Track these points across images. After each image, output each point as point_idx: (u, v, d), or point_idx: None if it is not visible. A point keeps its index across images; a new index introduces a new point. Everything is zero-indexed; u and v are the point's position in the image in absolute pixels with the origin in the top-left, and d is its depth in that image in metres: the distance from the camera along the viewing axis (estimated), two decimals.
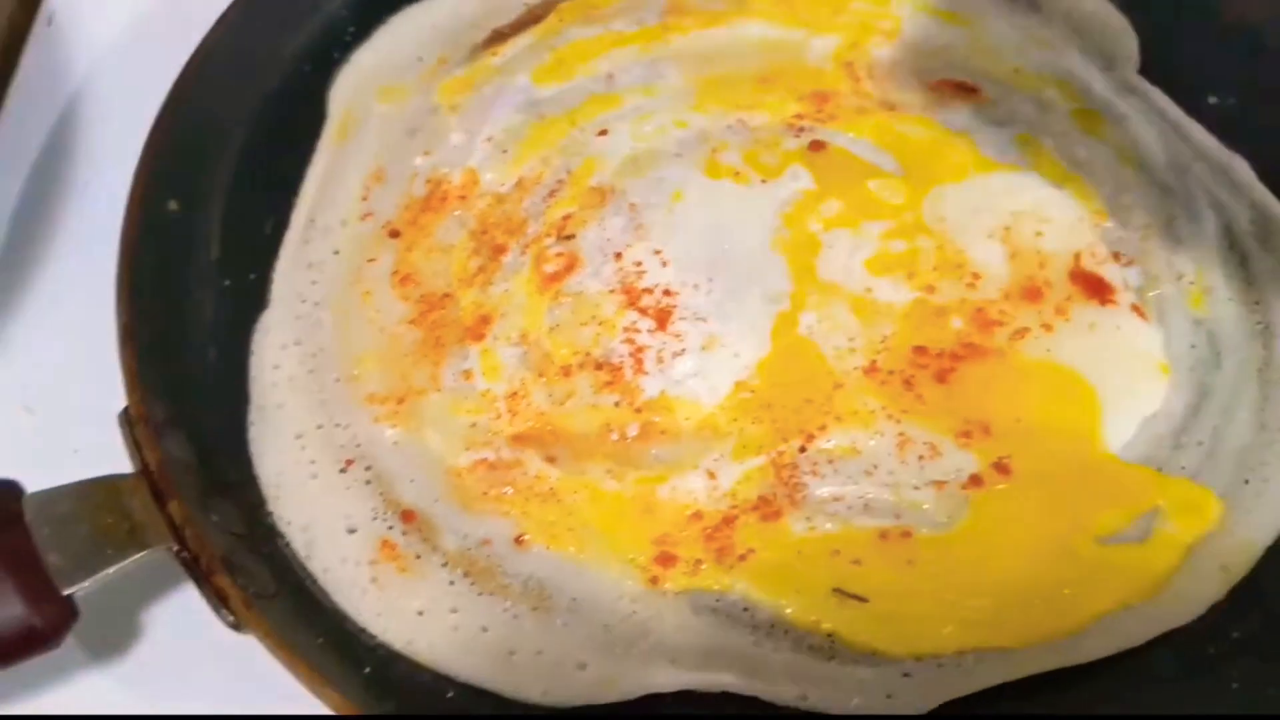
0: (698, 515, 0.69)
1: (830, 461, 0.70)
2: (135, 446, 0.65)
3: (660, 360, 0.74)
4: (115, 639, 0.69)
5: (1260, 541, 0.68)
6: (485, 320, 0.75)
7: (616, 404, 0.72)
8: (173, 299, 0.73)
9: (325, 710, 0.58)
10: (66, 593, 0.60)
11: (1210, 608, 0.67)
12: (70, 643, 0.65)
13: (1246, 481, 0.71)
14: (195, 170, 0.78)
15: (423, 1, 0.91)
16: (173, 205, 0.75)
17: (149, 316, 0.70)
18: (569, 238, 0.79)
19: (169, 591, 0.70)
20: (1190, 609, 0.66)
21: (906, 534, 0.68)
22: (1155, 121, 0.85)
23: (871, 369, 0.73)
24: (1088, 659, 0.65)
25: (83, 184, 0.86)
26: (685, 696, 0.64)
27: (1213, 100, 0.86)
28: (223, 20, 0.82)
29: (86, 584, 0.60)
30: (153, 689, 0.68)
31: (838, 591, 0.66)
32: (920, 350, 0.74)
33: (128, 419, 0.66)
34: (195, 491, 0.65)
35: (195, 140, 0.78)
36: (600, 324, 0.75)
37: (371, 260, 0.78)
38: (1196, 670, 0.65)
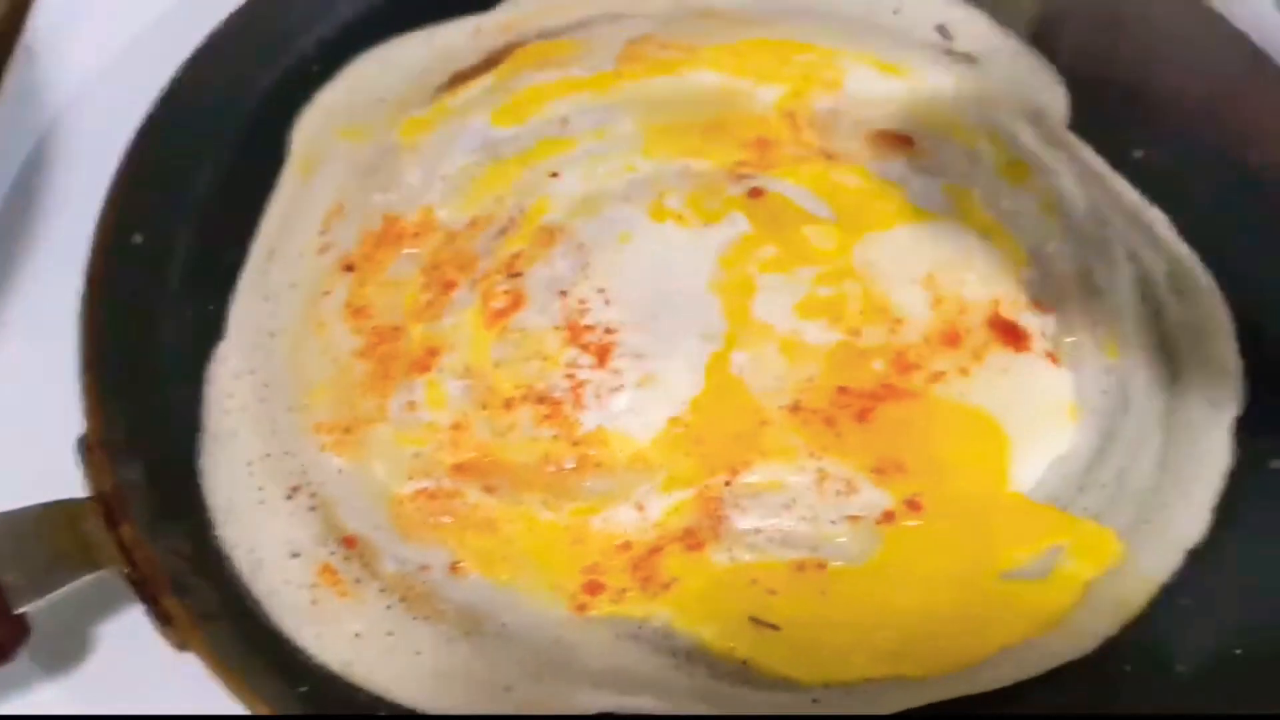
0: (626, 545, 0.72)
1: (754, 495, 0.74)
2: (91, 471, 0.68)
3: (599, 396, 0.77)
4: (67, 654, 0.72)
5: (1156, 579, 0.72)
6: (433, 353, 0.79)
7: (555, 437, 0.76)
8: (134, 329, 0.77)
9: None
10: (19, 611, 0.63)
11: (1105, 641, 0.70)
12: (24, 657, 0.69)
13: (1148, 521, 0.75)
14: (161, 204, 0.82)
15: (386, 44, 0.94)
16: (137, 238, 0.79)
17: (110, 346, 0.74)
18: (517, 275, 0.83)
19: (119, 611, 0.73)
20: (1086, 642, 0.70)
21: (821, 566, 0.72)
22: (1080, 174, 0.89)
23: (796, 408, 0.77)
24: (987, 688, 0.68)
25: (52, 215, 0.89)
26: (604, 717, 0.67)
27: (1137, 155, 0.90)
28: (193, 59, 0.86)
29: (40, 603, 0.64)
30: (102, 702, 0.70)
31: (754, 620, 0.70)
32: (843, 390, 0.77)
33: (85, 445, 0.69)
34: (147, 516, 0.68)
35: (162, 175, 0.82)
36: (543, 359, 0.79)
37: (326, 293, 0.81)
38: (1093, 700, 0.69)
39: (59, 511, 0.66)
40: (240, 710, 0.63)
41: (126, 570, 0.66)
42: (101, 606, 0.73)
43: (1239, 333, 0.82)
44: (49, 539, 0.65)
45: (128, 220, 0.79)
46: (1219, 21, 0.90)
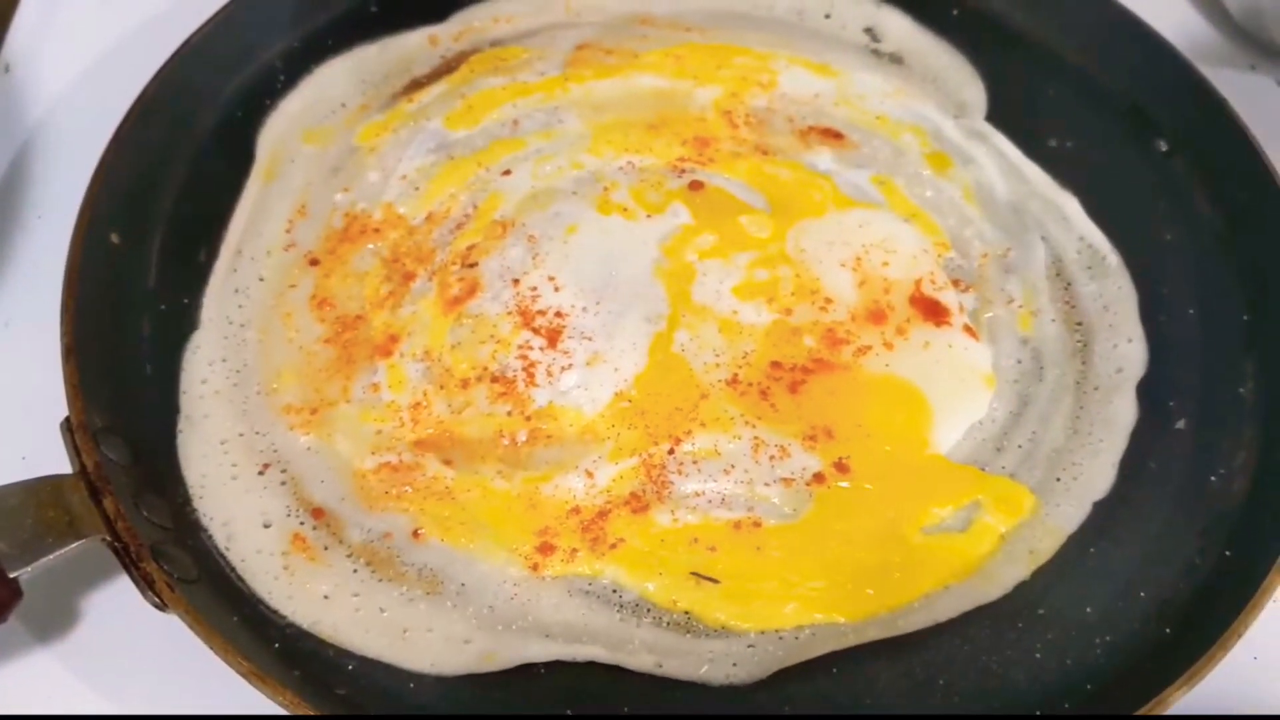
0: (576, 510, 0.78)
1: (694, 462, 0.80)
2: (75, 451, 0.73)
3: (550, 374, 0.83)
4: (57, 621, 0.77)
5: (1065, 529, 0.78)
6: (394, 339, 0.85)
7: (509, 413, 0.82)
8: (112, 321, 0.81)
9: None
10: (12, 575, 0.68)
11: (1018, 586, 0.76)
12: (17, 626, 0.74)
13: (1058, 479, 0.81)
14: (135, 206, 0.86)
15: (347, 54, 1.00)
16: (114, 238, 0.84)
17: (90, 337, 0.78)
18: (472, 265, 0.88)
19: (105, 580, 0.78)
20: (1000, 588, 0.76)
21: (757, 524, 0.78)
22: (998, 163, 0.96)
23: (733, 381, 0.83)
24: (909, 630, 0.74)
25: (35, 219, 0.95)
26: (555, 665, 0.72)
27: (1052, 144, 0.97)
28: (164, 70, 0.91)
29: (29, 569, 0.69)
30: (89, 665, 0.75)
31: (694, 575, 0.75)
32: (776, 365, 0.83)
33: (69, 427, 0.74)
34: (128, 490, 0.73)
35: (136, 179, 0.87)
36: (497, 342, 0.84)
37: (292, 286, 0.87)
38: (1006, 643, 0.75)
39: (46, 486, 0.71)
40: (220, 675, 0.68)
41: (109, 539, 0.70)
42: (88, 576, 0.78)
43: (1142, 304, 0.88)
44: (36, 511, 0.70)
45: (104, 221, 0.84)
46: (1128, 18, 0.97)
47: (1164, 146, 0.94)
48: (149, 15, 1.06)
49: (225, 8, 0.94)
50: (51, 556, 0.69)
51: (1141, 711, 0.67)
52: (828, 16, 1.05)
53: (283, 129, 0.95)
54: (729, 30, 1.03)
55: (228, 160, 0.92)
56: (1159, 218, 0.92)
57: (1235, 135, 0.91)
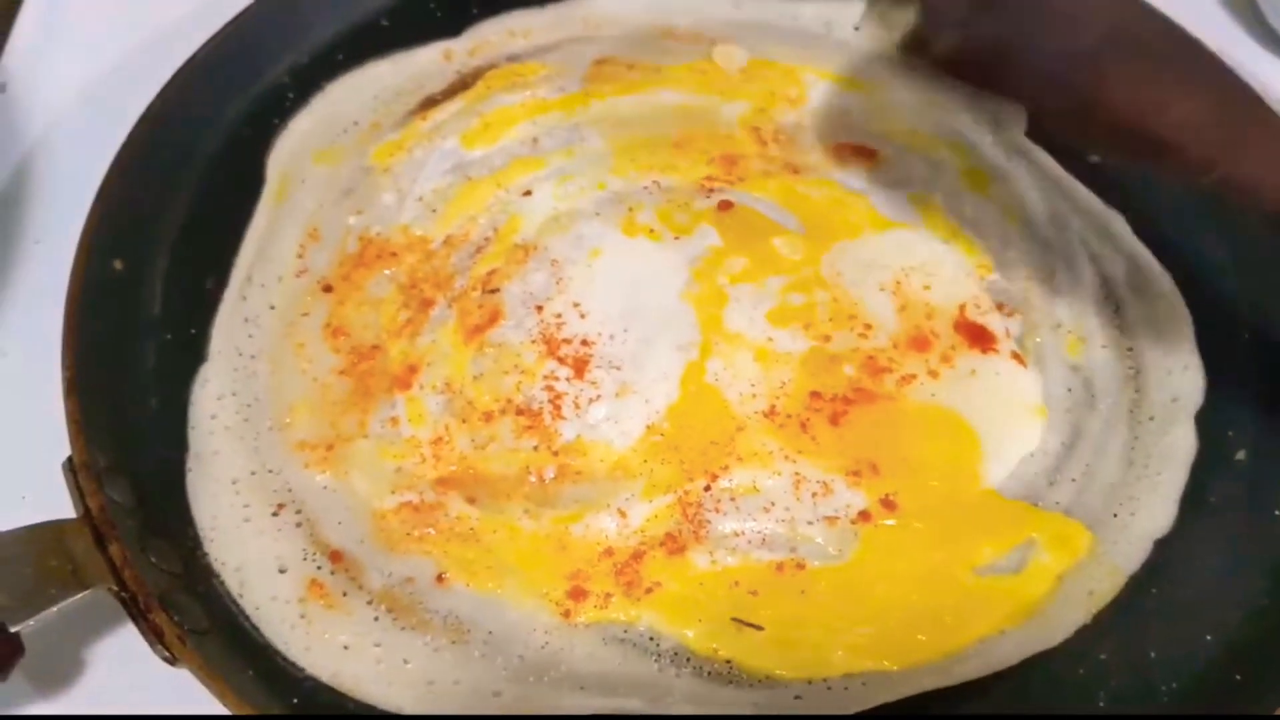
0: (609, 551, 0.74)
1: (732, 499, 0.76)
2: (78, 493, 0.69)
3: (577, 406, 0.79)
4: (61, 675, 0.73)
5: (1125, 569, 0.74)
6: (412, 370, 0.80)
7: (535, 448, 0.77)
8: (116, 353, 0.77)
9: None
10: (13, 630, 0.64)
11: (1077, 631, 0.72)
12: (20, 681, 0.70)
13: (1115, 515, 0.77)
14: (139, 231, 0.83)
15: (358, 70, 0.96)
16: (117, 265, 0.80)
17: (93, 370, 0.74)
18: (493, 291, 0.84)
19: (111, 628, 0.74)
20: (1059, 633, 0.72)
21: (800, 566, 0.73)
22: (1039, 180, 0.92)
23: (771, 413, 0.79)
24: (964, 680, 0.70)
25: (32, 244, 0.90)
26: (593, 718, 0.68)
27: (1094, 160, 0.93)
28: (168, 87, 0.87)
29: (31, 622, 0.64)
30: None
31: (736, 620, 0.71)
32: (815, 395, 0.79)
33: (71, 467, 0.70)
34: (134, 534, 0.69)
35: (140, 203, 0.83)
36: (521, 372, 0.80)
37: (305, 314, 0.83)
38: (1067, 691, 0.70)
39: (47, 532, 0.67)
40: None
41: (115, 589, 0.66)
42: (93, 627, 0.74)
43: (1198, 328, 0.84)
44: (38, 559, 0.66)
45: (107, 247, 0.80)
46: (1172, 27, 0.92)
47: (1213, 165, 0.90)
48: (153, 31, 1.02)
49: (231, 23, 0.91)
50: (55, 609, 0.65)
51: None
52: (856, 29, 1.00)
53: (293, 149, 0.91)
54: (753, 42, 0.99)
55: (236, 182, 0.88)
56: (1210, 237, 0.88)
57: None
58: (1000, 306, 0.85)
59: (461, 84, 0.97)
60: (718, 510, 0.75)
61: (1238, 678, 0.70)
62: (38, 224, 0.93)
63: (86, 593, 0.66)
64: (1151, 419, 0.80)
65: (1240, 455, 0.79)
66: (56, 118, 0.98)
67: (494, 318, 0.82)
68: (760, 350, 0.81)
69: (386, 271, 0.85)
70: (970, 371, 0.81)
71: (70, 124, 0.98)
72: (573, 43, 1.00)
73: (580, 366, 0.80)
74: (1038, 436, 0.79)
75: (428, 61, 0.98)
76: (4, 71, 1.00)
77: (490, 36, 1.00)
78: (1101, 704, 0.70)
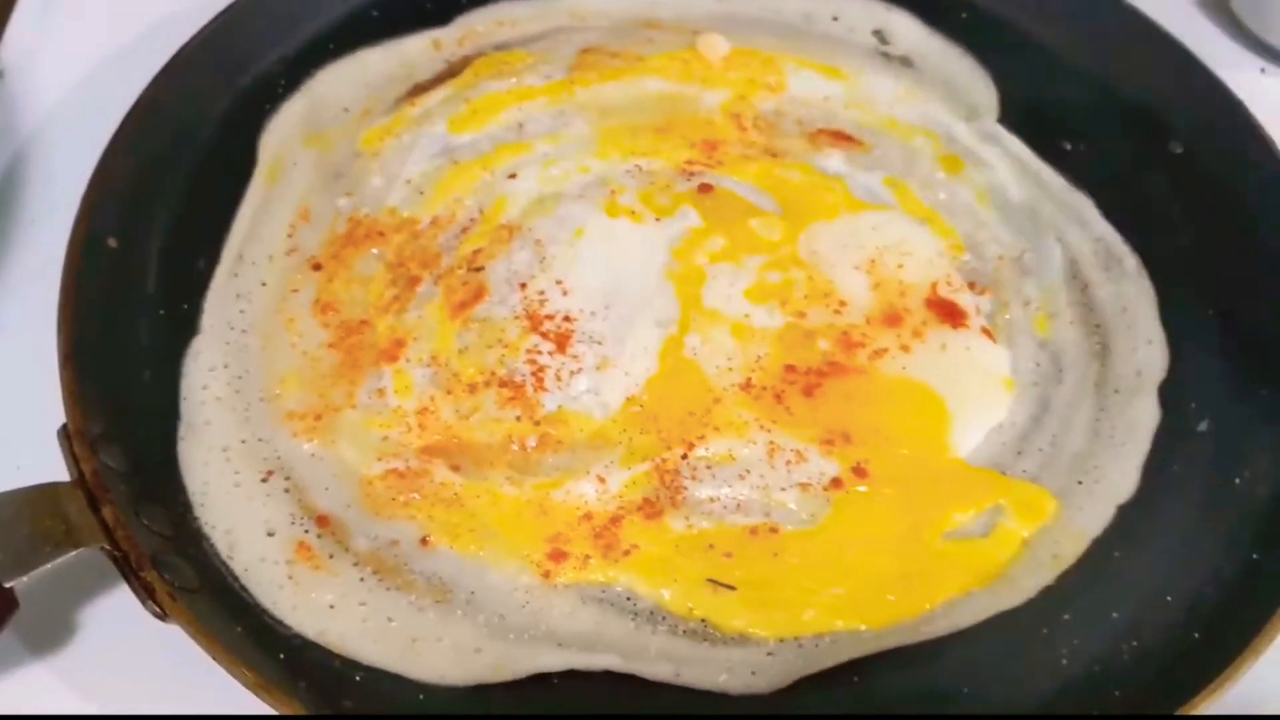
0: (588, 516, 0.76)
1: (709, 467, 0.78)
2: (72, 458, 0.71)
3: (559, 379, 0.81)
4: (53, 635, 0.74)
5: (1090, 533, 0.76)
6: (399, 344, 0.83)
7: (518, 418, 0.80)
8: (110, 327, 0.79)
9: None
10: (7, 585, 0.66)
11: (1041, 591, 0.74)
12: (12, 640, 0.72)
13: (1080, 482, 0.79)
14: (134, 211, 0.85)
15: (349, 58, 0.98)
16: (112, 242, 0.82)
17: (88, 342, 0.76)
18: (478, 269, 0.86)
19: (101, 592, 0.76)
20: (1023, 594, 0.74)
21: (774, 530, 0.76)
22: (1011, 165, 0.95)
23: (747, 385, 0.81)
24: (931, 637, 0.72)
25: (29, 224, 0.93)
26: (569, 675, 0.70)
27: (1066, 146, 0.96)
28: (163, 73, 0.90)
29: (25, 579, 0.66)
30: (87, 679, 0.73)
31: (711, 581, 0.73)
32: (790, 369, 0.82)
33: (66, 434, 0.72)
34: (127, 498, 0.71)
35: (135, 183, 0.85)
36: (505, 346, 0.82)
37: (295, 291, 0.85)
38: (1031, 650, 0.73)
39: (42, 494, 0.69)
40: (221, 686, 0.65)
41: (108, 548, 0.68)
42: (83, 589, 0.76)
43: (1162, 305, 0.87)
44: (33, 519, 0.68)
45: (102, 226, 0.82)
46: (1139, 20, 0.96)
47: (1179, 148, 0.93)
48: (149, 21, 1.04)
49: (224, 13, 0.93)
50: (48, 566, 0.67)
51: (1174, 716, 0.65)
52: (836, 19, 1.04)
53: (284, 133, 0.93)
54: (735, 32, 1.01)
55: (228, 164, 0.91)
56: (1176, 219, 0.91)
57: (1251, 136, 0.90)
58: (971, 285, 0.87)
59: (450, 72, 0.99)
60: (694, 477, 0.77)
61: (1196, 636, 0.72)
62: (33, 208, 0.95)
63: (80, 551, 0.68)
64: (1117, 391, 0.83)
65: (1203, 426, 0.81)
66: (53, 106, 1.01)
67: (479, 294, 0.85)
68: (737, 326, 0.84)
69: (374, 251, 0.87)
70: (941, 346, 0.83)
71: (66, 112, 1.00)
72: (559, 33, 1.02)
73: (562, 341, 0.82)
74: (1006, 408, 0.82)
75: (417, 50, 1.00)
76: (4, 59, 1.02)
77: (478, 26, 1.02)
78: (1064, 661, 0.72)
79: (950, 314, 0.84)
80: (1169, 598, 0.74)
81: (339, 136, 0.94)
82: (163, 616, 0.67)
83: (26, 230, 0.93)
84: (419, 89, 0.98)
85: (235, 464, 0.77)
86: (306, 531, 0.75)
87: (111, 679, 0.74)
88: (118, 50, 1.03)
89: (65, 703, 0.73)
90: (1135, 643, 0.72)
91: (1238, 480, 0.78)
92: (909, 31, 1.03)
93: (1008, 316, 0.86)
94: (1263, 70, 1.09)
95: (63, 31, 1.04)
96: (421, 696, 0.69)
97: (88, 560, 0.69)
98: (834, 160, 0.94)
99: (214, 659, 0.65)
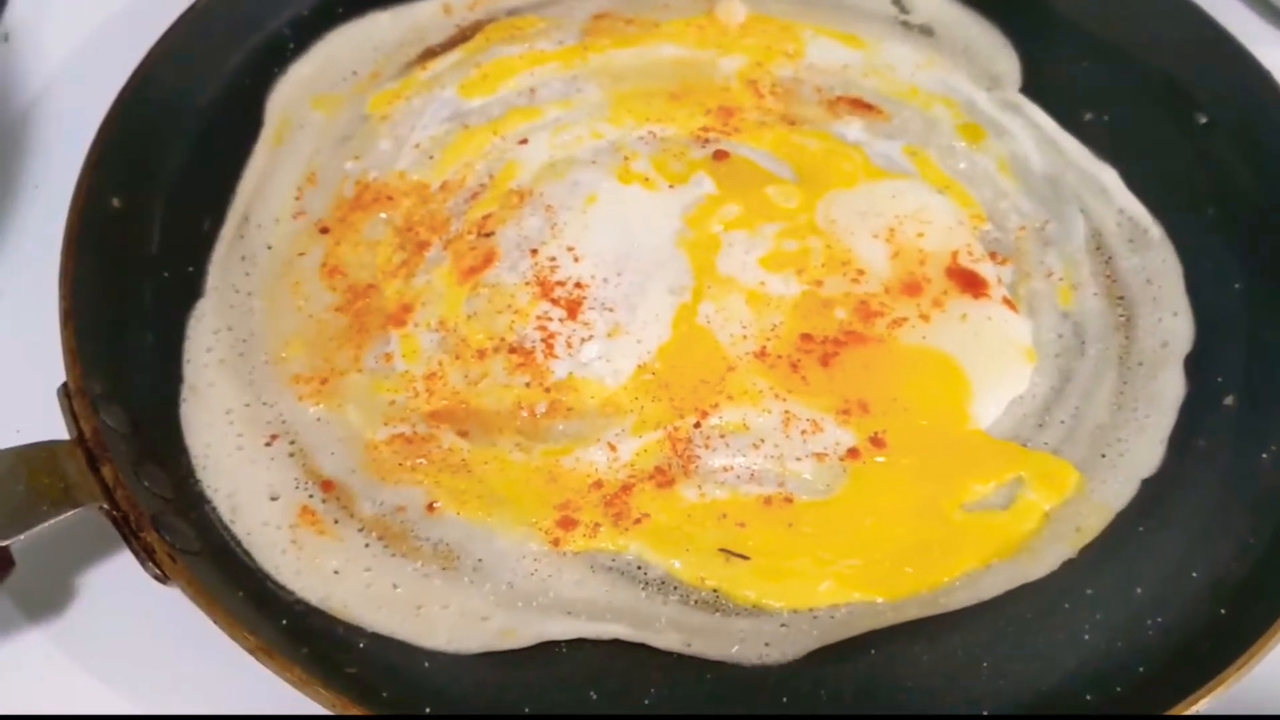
0: (598, 484, 0.74)
1: (722, 436, 0.76)
2: (72, 417, 0.69)
3: (569, 345, 0.80)
4: (50, 599, 0.73)
5: (1113, 506, 0.75)
6: (407, 308, 0.81)
7: (527, 384, 0.78)
8: (113, 287, 0.78)
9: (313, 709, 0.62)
10: (4, 544, 0.64)
11: (1064, 564, 0.72)
12: (6, 604, 0.70)
13: (1103, 455, 0.77)
14: (138, 171, 0.83)
15: (359, 20, 0.97)
16: (115, 202, 0.81)
17: (90, 302, 0.75)
18: (488, 235, 0.85)
19: (100, 556, 0.74)
20: (1046, 565, 0.72)
21: (788, 500, 0.74)
22: (1033, 135, 0.93)
23: (762, 353, 0.79)
24: (948, 609, 0.70)
25: (34, 187, 0.91)
26: (577, 644, 0.68)
27: (1088, 116, 0.94)
28: (169, 33, 0.88)
29: (22, 537, 0.65)
30: (84, 646, 0.72)
31: (723, 551, 0.71)
32: (806, 337, 0.80)
33: (67, 393, 0.70)
34: (127, 458, 0.69)
35: (139, 143, 0.84)
36: (515, 312, 0.81)
37: (302, 254, 0.83)
38: (1052, 624, 0.71)
39: (40, 452, 0.68)
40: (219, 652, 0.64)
41: (107, 508, 0.66)
42: (81, 552, 0.74)
43: (1188, 276, 0.84)
44: (30, 477, 0.66)
45: (105, 184, 0.80)
46: None
47: (1203, 119, 0.91)
48: None
49: None
50: (46, 525, 0.65)
51: (1198, 693, 0.63)
52: None
53: (292, 95, 0.92)
54: (753, 0, 0.99)
55: (234, 125, 0.89)
56: (1201, 190, 0.89)
57: (1277, 106, 0.88)
58: (993, 255, 0.85)
59: (461, 36, 0.98)
60: (707, 446, 0.76)
61: (1222, 612, 0.70)
62: (38, 170, 0.93)
63: (78, 510, 0.66)
64: (1141, 364, 0.81)
65: (1229, 400, 0.79)
66: (58, 68, 0.99)
67: (489, 260, 0.83)
68: (752, 294, 0.82)
69: (383, 215, 0.86)
70: (961, 316, 0.81)
71: (71, 75, 0.99)
72: None
73: (573, 308, 0.81)
74: (1027, 380, 0.80)
75: (428, 14, 0.99)
76: (8, 22, 1.01)
77: None
78: (1086, 637, 0.70)
79: (971, 283, 0.82)
80: (1194, 574, 0.73)
81: (347, 99, 0.92)
82: (163, 579, 0.66)
83: (31, 194, 0.92)
84: (429, 53, 0.97)
85: (238, 427, 0.75)
86: (311, 496, 0.73)
87: (108, 644, 0.72)
88: (124, 10, 1.01)
89: (59, 668, 0.71)
90: (1160, 619, 0.71)
91: (1264, 455, 0.77)
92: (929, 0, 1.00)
93: (1030, 287, 0.84)
94: None
95: None
96: (426, 664, 0.68)
97: (85, 524, 0.67)
98: (853, 128, 0.92)
99: (215, 622, 0.64)
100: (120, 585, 0.72)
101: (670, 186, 0.87)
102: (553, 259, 0.83)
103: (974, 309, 0.81)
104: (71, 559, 0.74)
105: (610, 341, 0.79)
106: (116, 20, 1.01)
